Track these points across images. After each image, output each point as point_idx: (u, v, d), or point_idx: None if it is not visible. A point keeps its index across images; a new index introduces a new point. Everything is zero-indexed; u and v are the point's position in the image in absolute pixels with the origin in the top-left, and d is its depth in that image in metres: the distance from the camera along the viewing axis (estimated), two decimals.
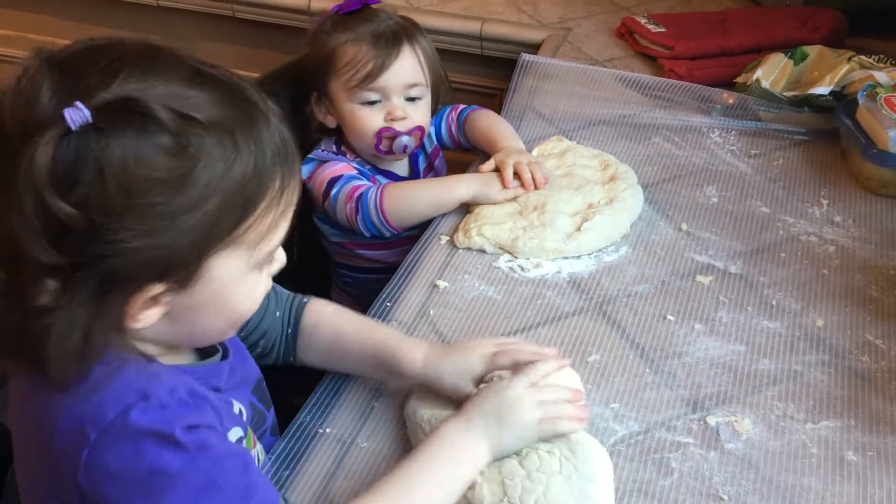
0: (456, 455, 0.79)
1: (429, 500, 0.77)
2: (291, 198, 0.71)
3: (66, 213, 0.59)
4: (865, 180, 1.25)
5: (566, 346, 0.99)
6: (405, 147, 1.26)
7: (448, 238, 1.17)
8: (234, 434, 0.77)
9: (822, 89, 1.35)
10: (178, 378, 0.71)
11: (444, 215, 1.21)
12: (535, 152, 1.29)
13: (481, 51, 1.68)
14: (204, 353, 0.80)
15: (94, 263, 0.61)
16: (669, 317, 1.03)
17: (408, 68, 1.24)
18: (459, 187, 1.20)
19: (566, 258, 1.12)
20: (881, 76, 1.32)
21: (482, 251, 1.14)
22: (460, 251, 1.14)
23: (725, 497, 0.82)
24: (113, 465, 0.65)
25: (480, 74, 1.71)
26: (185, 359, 0.78)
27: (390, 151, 1.27)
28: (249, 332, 0.93)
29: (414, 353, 0.89)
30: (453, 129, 1.37)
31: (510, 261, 1.12)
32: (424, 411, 0.87)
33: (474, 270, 1.11)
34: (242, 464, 0.69)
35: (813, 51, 1.44)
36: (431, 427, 0.84)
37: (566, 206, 1.15)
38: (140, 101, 0.61)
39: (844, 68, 1.36)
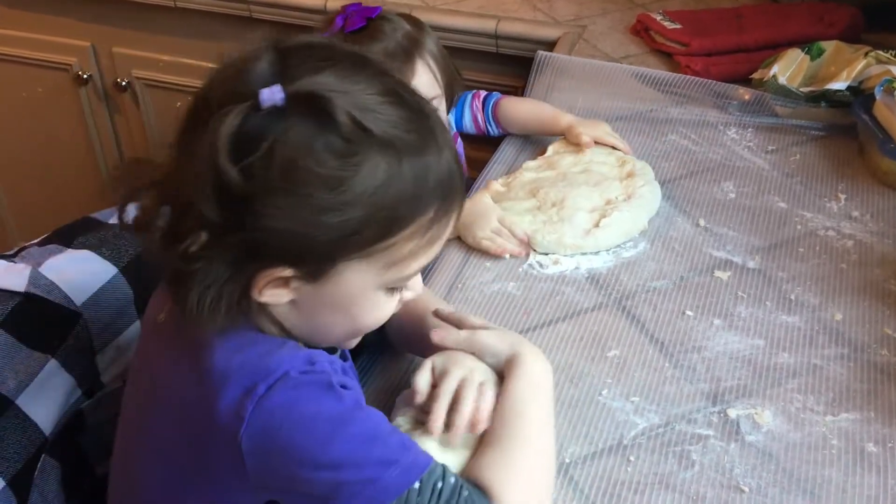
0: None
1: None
2: (440, 233, 0.73)
3: (230, 177, 0.64)
4: (883, 175, 1.25)
5: (585, 342, 1.00)
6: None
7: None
8: None
9: (839, 84, 1.35)
10: (335, 357, 0.76)
11: None
12: (550, 150, 1.30)
13: (496, 49, 1.69)
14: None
15: (241, 230, 0.66)
16: (688, 312, 1.04)
17: (424, 84, 1.24)
18: None
19: (584, 254, 1.13)
20: None
21: None
22: (478, 251, 1.15)
23: (746, 489, 0.83)
24: (277, 412, 0.69)
25: (496, 73, 1.72)
26: None
27: None
28: None
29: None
30: (479, 117, 1.38)
31: (528, 256, 1.13)
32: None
33: (494, 267, 1.12)
34: (391, 425, 0.74)
35: (829, 46, 1.44)
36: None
37: (585, 203, 1.16)
38: (327, 100, 0.66)
39: (861, 63, 1.36)
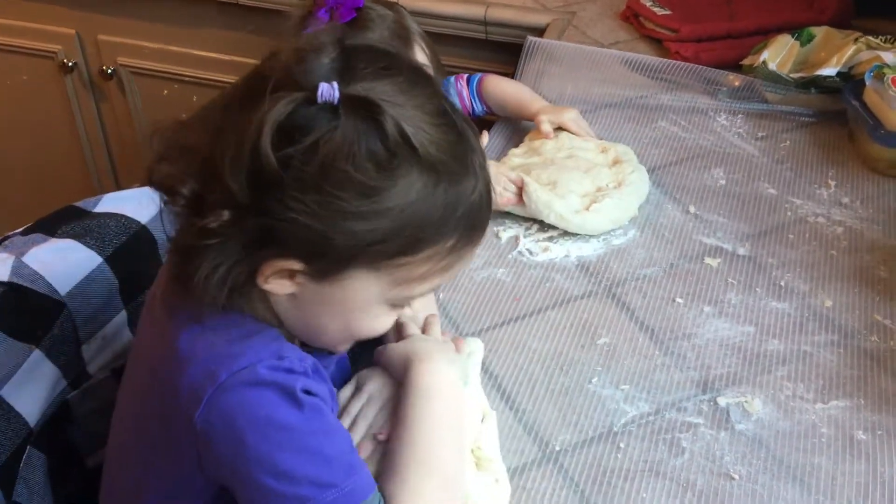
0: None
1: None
2: (456, 263, 0.72)
3: (267, 162, 0.64)
4: (873, 161, 1.25)
5: (575, 329, 1.00)
6: None
7: None
8: None
9: (829, 70, 1.35)
10: (306, 354, 0.74)
11: None
12: (527, 139, 1.29)
13: (486, 35, 1.68)
14: None
15: (265, 215, 0.66)
16: (678, 299, 1.03)
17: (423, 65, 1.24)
18: None
19: (574, 242, 1.12)
20: (888, 57, 1.31)
21: (495, 216, 1.14)
22: None
23: (736, 476, 0.82)
24: (234, 407, 0.68)
25: (485, 59, 1.71)
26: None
27: None
28: None
29: None
30: (464, 94, 1.38)
31: (519, 236, 1.13)
32: None
33: (483, 254, 1.11)
34: (349, 443, 0.72)
35: (819, 32, 1.44)
36: None
37: (577, 186, 1.15)
38: (380, 108, 0.65)
39: (851, 49, 1.36)
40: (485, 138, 1.25)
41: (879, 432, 0.87)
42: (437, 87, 0.72)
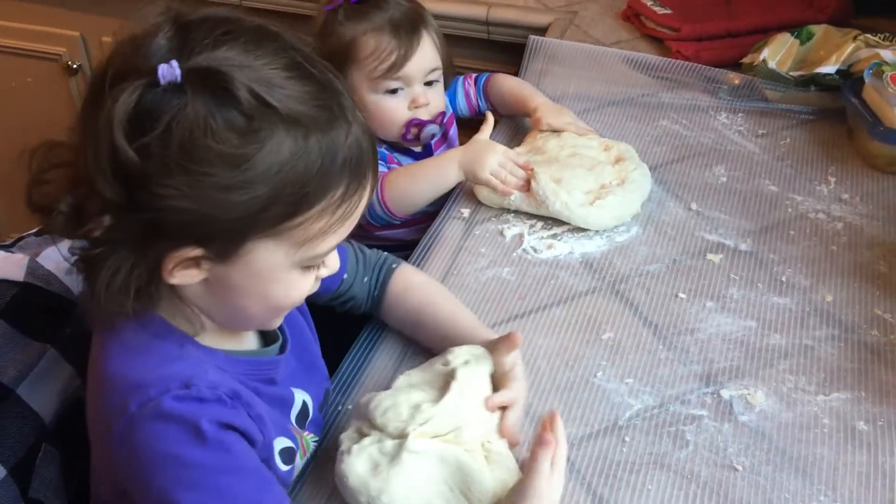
0: None
1: None
2: (352, 210, 0.71)
3: (127, 157, 0.63)
4: (872, 158, 1.27)
5: (580, 325, 1.01)
6: (433, 135, 1.29)
7: (469, 210, 1.20)
8: (280, 443, 0.79)
9: (829, 68, 1.36)
10: (228, 374, 0.74)
11: (456, 198, 1.23)
12: (528, 138, 1.31)
13: (488, 35, 1.69)
14: (266, 339, 0.83)
15: (143, 210, 0.65)
16: (681, 295, 1.05)
17: (427, 54, 1.26)
18: (451, 170, 1.20)
19: (578, 239, 1.14)
20: (887, 54, 1.33)
21: (499, 214, 1.18)
22: (476, 233, 1.16)
23: (740, 468, 0.84)
24: (140, 442, 0.68)
25: (487, 59, 1.72)
26: (245, 345, 0.80)
27: (417, 139, 1.29)
28: (340, 295, 0.98)
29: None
30: (471, 92, 1.40)
31: (524, 233, 1.14)
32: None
33: (488, 253, 1.13)
34: (260, 480, 0.71)
35: (819, 30, 1.45)
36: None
37: (581, 184, 1.17)
38: (226, 75, 0.64)
39: (850, 47, 1.37)
40: (488, 124, 1.26)
41: (880, 423, 0.88)
42: (287, 40, 0.70)
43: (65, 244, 0.96)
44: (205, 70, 0.64)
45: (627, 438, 0.87)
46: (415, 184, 1.21)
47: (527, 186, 1.16)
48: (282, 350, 0.84)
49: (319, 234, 0.70)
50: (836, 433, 0.87)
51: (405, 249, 1.16)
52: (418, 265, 1.11)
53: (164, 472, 0.68)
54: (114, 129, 0.63)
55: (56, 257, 0.95)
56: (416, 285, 1.00)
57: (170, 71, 0.64)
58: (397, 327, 1.00)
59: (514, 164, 1.17)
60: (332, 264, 0.77)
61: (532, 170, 1.16)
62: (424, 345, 0.97)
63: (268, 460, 0.77)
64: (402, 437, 0.78)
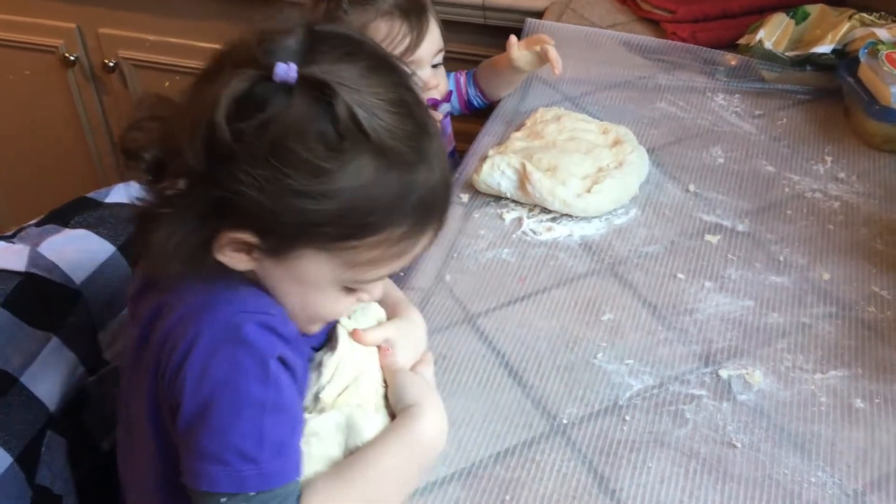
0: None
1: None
2: (409, 249, 0.73)
3: (221, 134, 0.66)
4: (868, 137, 1.27)
5: (580, 307, 1.02)
6: (448, 113, 1.30)
7: (468, 195, 1.20)
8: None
9: (824, 48, 1.36)
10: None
11: (455, 185, 1.23)
12: (528, 122, 1.31)
13: (484, 20, 1.69)
14: None
15: (217, 186, 0.67)
16: (679, 275, 1.06)
17: (435, 36, 1.28)
18: None
19: (577, 222, 1.14)
20: (882, 33, 1.33)
21: (498, 199, 1.18)
22: (475, 216, 1.17)
23: (739, 444, 0.85)
24: (207, 357, 0.70)
25: (484, 44, 1.72)
26: None
27: None
28: None
29: None
30: (462, 81, 1.41)
31: (523, 217, 1.15)
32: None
33: (488, 235, 1.13)
34: (293, 427, 0.73)
35: (814, 10, 1.45)
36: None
37: (577, 169, 1.17)
38: (334, 92, 0.66)
39: (846, 26, 1.37)
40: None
41: (877, 400, 0.89)
42: (403, 77, 0.73)
43: (63, 235, 0.98)
44: (317, 80, 0.67)
45: (628, 418, 0.88)
46: None
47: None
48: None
49: (370, 262, 0.72)
50: (833, 411, 0.88)
51: None
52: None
53: (214, 393, 0.70)
54: (218, 106, 0.65)
55: (58, 247, 0.96)
56: None
57: (286, 71, 0.66)
58: None
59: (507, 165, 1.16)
60: (375, 293, 0.79)
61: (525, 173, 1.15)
62: None
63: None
64: (317, 401, 0.79)
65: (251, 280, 0.75)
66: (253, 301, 0.73)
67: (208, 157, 0.67)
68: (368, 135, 0.67)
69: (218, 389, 0.70)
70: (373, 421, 0.78)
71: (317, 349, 0.83)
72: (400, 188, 0.70)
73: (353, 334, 0.83)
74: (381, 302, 0.89)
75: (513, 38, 1.32)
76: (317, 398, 0.79)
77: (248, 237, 0.70)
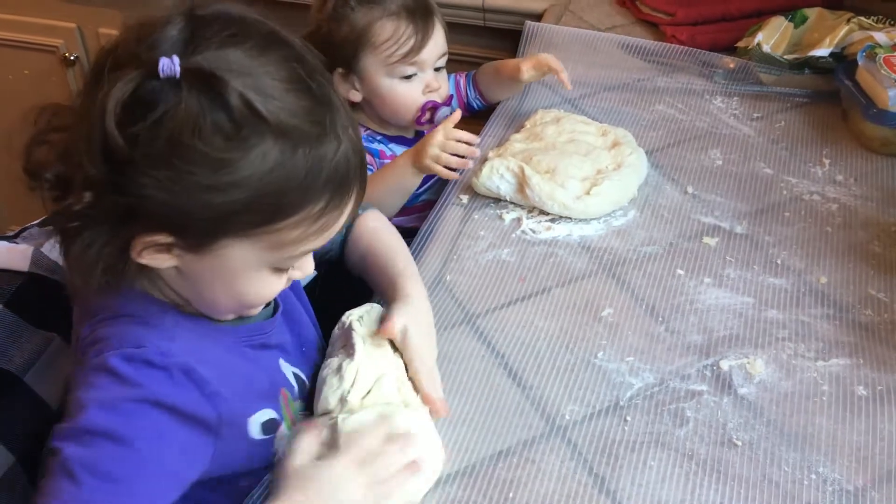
0: None
1: None
2: (331, 223, 0.72)
3: (115, 142, 0.64)
4: (866, 140, 1.28)
5: (579, 307, 1.02)
6: (445, 117, 1.31)
7: (468, 197, 1.21)
8: (263, 416, 0.81)
9: (823, 51, 1.37)
10: (193, 345, 0.75)
11: (455, 186, 1.24)
12: (527, 124, 1.32)
13: (484, 22, 1.70)
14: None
15: (122, 193, 0.66)
16: (679, 271, 1.06)
17: (440, 40, 1.29)
18: (405, 170, 1.20)
19: (577, 223, 1.15)
20: (880, 37, 1.34)
21: (498, 200, 1.18)
22: (475, 217, 1.17)
23: (739, 443, 0.85)
24: (80, 385, 0.72)
25: (483, 46, 1.73)
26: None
27: (431, 122, 1.31)
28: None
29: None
30: (462, 83, 1.42)
31: (522, 217, 1.15)
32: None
33: (487, 235, 1.14)
34: (135, 467, 0.70)
35: (812, 13, 1.46)
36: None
37: (576, 171, 1.17)
38: (221, 80, 0.65)
39: (844, 30, 1.38)
40: (450, 119, 1.23)
41: (879, 388, 0.90)
42: (296, 50, 0.71)
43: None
44: (203, 71, 0.65)
45: (628, 418, 0.89)
46: (375, 191, 1.21)
47: (471, 154, 1.16)
48: (273, 313, 0.85)
49: (295, 241, 0.72)
50: (835, 401, 0.89)
51: (407, 236, 1.17)
52: (420, 251, 1.12)
53: (69, 413, 0.71)
54: (107, 113, 0.64)
55: (59, 247, 0.97)
56: (368, 231, 1.01)
57: (170, 66, 0.65)
58: (355, 273, 1.02)
59: (455, 141, 1.17)
60: (306, 268, 0.78)
61: (476, 145, 1.17)
62: (373, 289, 0.99)
63: (238, 432, 0.79)
64: (343, 403, 0.80)
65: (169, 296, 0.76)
66: (129, 334, 0.73)
67: (108, 165, 0.66)
68: (266, 118, 0.66)
69: (80, 409, 0.70)
70: (405, 415, 0.81)
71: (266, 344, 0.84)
72: (309, 165, 0.68)
73: (382, 332, 0.84)
74: (382, 276, 0.91)
75: (523, 65, 1.31)
76: (342, 401, 0.80)
77: (164, 238, 0.69)
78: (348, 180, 0.72)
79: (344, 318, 0.91)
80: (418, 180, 1.22)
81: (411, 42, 1.24)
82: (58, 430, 0.71)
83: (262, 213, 0.68)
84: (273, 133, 0.67)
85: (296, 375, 0.87)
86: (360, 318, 0.89)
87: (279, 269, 0.75)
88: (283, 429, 0.84)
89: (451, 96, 1.34)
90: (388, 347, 0.87)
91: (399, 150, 1.35)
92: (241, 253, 0.71)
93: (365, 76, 1.28)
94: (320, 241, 0.74)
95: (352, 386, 0.81)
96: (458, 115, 1.23)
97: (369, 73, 1.27)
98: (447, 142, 1.17)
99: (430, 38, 1.26)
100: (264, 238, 0.70)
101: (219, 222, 0.68)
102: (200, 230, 0.69)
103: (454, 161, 1.17)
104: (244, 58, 0.67)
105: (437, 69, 1.30)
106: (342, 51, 1.26)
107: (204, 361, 0.75)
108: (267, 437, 0.82)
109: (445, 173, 1.17)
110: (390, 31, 1.24)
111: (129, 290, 0.75)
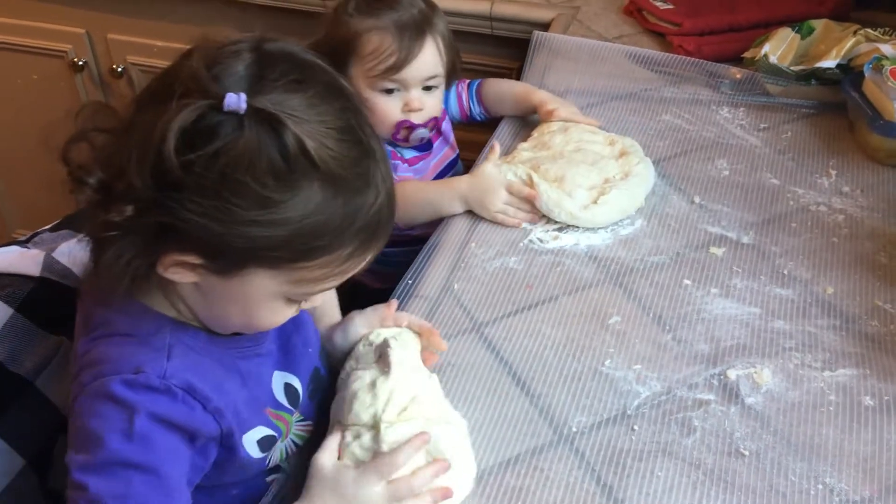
0: None
1: None
2: (353, 267, 0.75)
3: (170, 165, 0.66)
4: (872, 151, 1.28)
5: (586, 316, 1.03)
6: (422, 138, 1.31)
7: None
8: (258, 433, 0.82)
9: (829, 63, 1.37)
10: (190, 360, 0.77)
11: None
12: (535, 133, 1.32)
13: (491, 31, 1.70)
14: None
15: (165, 213, 0.68)
16: (687, 281, 1.07)
17: (428, 62, 1.26)
18: (454, 203, 1.20)
19: (584, 232, 1.15)
20: (887, 48, 1.34)
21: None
22: (482, 226, 1.18)
23: (746, 452, 0.86)
24: (80, 413, 0.74)
25: (491, 55, 1.73)
26: None
27: (406, 140, 1.30)
28: None
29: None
30: (464, 96, 1.42)
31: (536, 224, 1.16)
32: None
33: (495, 243, 1.14)
34: (164, 488, 0.73)
35: (819, 24, 1.47)
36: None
37: (583, 180, 1.18)
38: (283, 124, 0.67)
39: (850, 41, 1.39)
40: (494, 153, 1.25)
41: (886, 398, 0.91)
42: (351, 102, 0.74)
43: (78, 240, 0.99)
44: (266, 112, 0.67)
45: (636, 427, 0.89)
46: (415, 205, 1.22)
47: (535, 215, 1.17)
48: None
49: (317, 279, 0.74)
50: (842, 411, 0.89)
51: (416, 244, 1.18)
52: (427, 259, 1.12)
53: (85, 445, 0.72)
54: (167, 138, 0.66)
55: (71, 252, 0.97)
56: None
57: (237, 102, 0.67)
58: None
59: (519, 199, 1.17)
60: (317, 302, 0.81)
61: (534, 189, 1.17)
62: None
63: (233, 449, 0.80)
64: (377, 422, 0.81)
65: (166, 307, 0.78)
66: (129, 360, 0.74)
67: (157, 185, 0.67)
68: (317, 165, 0.68)
69: (87, 440, 0.72)
70: (446, 430, 0.82)
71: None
72: (347, 213, 0.71)
73: (427, 361, 0.90)
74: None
75: (556, 112, 1.32)
76: (376, 417, 0.82)
77: (194, 259, 0.71)
78: (378, 232, 0.75)
79: (372, 336, 0.91)
80: (458, 212, 1.21)
81: (392, 59, 1.23)
82: (75, 462, 0.72)
83: (294, 251, 0.71)
84: (320, 179, 0.69)
85: (288, 386, 0.88)
86: (394, 337, 0.90)
87: (293, 301, 0.77)
88: (280, 443, 0.86)
89: (436, 118, 1.32)
90: (423, 372, 0.88)
91: (407, 153, 1.35)
92: (264, 282, 0.73)
93: (352, 83, 1.28)
94: (340, 280, 0.76)
95: (386, 404, 0.82)
96: (497, 149, 1.25)
97: (354, 81, 1.27)
98: (512, 198, 1.18)
99: (416, 57, 1.24)
100: (289, 273, 0.73)
101: (252, 253, 0.70)
102: (232, 258, 0.71)
103: (521, 215, 1.18)
104: (304, 105, 0.69)
105: (427, 88, 1.28)
106: (336, 54, 1.26)
107: (201, 376, 0.77)
108: (262, 454, 0.84)
109: (511, 222, 1.18)
110: (375, 45, 1.23)
111: (130, 305, 0.77)
